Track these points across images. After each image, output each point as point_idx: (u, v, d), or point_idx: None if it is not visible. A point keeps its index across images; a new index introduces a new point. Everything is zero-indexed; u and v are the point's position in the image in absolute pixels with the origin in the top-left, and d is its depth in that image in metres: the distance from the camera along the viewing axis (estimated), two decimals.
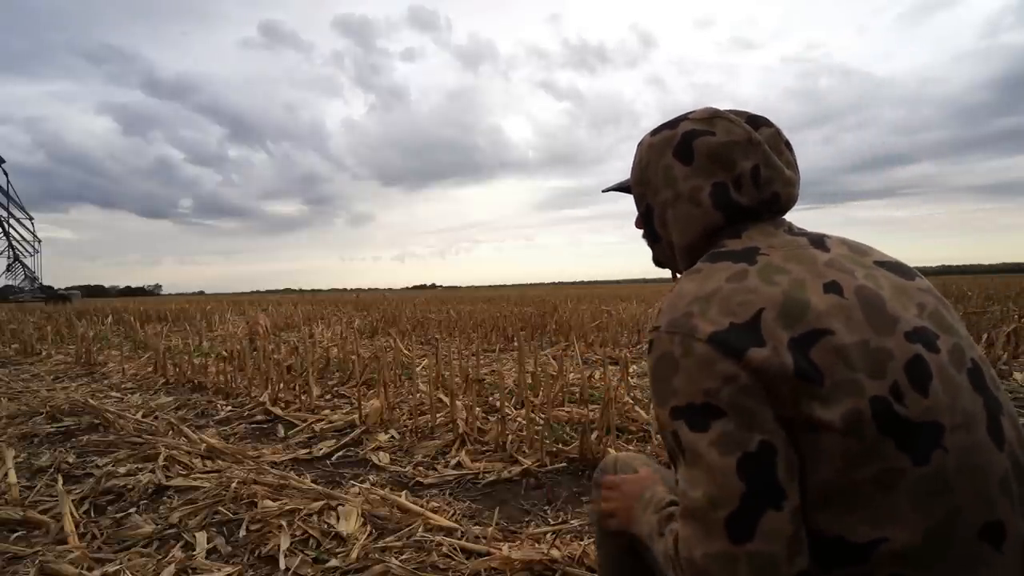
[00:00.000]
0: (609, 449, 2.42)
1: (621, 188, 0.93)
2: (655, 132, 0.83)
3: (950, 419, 0.59)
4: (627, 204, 0.95)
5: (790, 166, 0.78)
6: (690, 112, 0.81)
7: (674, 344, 0.65)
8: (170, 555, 1.68)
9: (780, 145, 0.78)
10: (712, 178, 0.75)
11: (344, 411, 3.33)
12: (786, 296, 0.63)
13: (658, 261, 0.91)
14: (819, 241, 0.73)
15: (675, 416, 0.64)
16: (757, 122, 0.78)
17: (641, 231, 0.90)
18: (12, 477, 2.17)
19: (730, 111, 0.78)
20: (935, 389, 0.60)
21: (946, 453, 0.58)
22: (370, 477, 2.33)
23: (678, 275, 0.88)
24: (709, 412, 0.61)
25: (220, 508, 1.98)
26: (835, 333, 0.61)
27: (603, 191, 0.97)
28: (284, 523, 1.82)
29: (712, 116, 0.77)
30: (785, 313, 0.62)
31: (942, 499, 0.58)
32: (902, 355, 0.61)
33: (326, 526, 1.82)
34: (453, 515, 1.94)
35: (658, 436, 2.62)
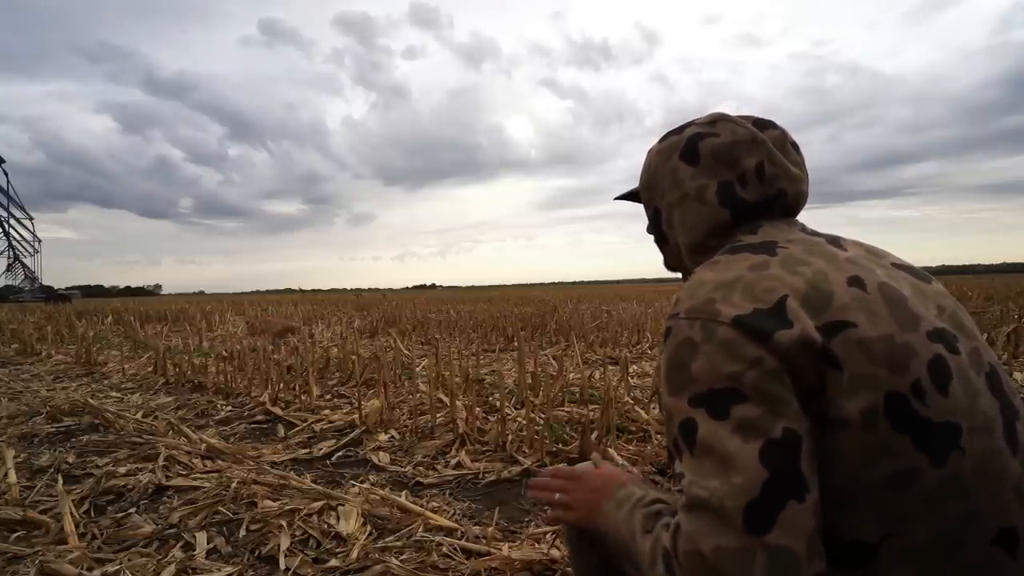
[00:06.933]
0: (609, 449, 2.43)
1: (630, 196, 0.95)
2: (662, 139, 0.85)
3: (969, 421, 0.58)
4: (628, 204, 0.97)
5: (796, 165, 0.78)
6: (697, 118, 0.83)
7: (694, 329, 0.63)
8: (170, 555, 1.68)
9: (786, 145, 0.78)
10: (718, 176, 0.77)
11: (344, 411, 3.33)
12: (809, 285, 0.63)
13: (669, 264, 0.92)
14: (835, 241, 0.73)
15: (694, 404, 0.60)
16: (763, 124, 0.79)
17: (652, 236, 0.91)
18: (12, 477, 2.17)
19: (737, 116, 0.80)
20: (955, 390, 0.59)
21: (963, 455, 0.57)
22: (370, 477, 2.33)
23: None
24: (731, 397, 0.58)
25: (220, 508, 1.98)
26: (858, 326, 0.60)
27: (614, 199, 0.99)
28: (284, 523, 1.82)
29: (716, 119, 0.79)
30: (808, 302, 0.61)
31: (958, 502, 0.57)
32: (925, 353, 0.60)
33: (326, 526, 1.82)
34: (453, 515, 1.93)
35: (659, 436, 2.61)
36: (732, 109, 0.84)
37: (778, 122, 0.80)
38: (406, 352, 5.50)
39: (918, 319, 0.63)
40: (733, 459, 0.56)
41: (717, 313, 0.62)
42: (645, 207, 0.90)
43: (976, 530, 0.57)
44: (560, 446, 2.52)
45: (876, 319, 0.61)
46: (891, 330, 0.60)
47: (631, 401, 3.13)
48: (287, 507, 1.92)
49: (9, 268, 42.03)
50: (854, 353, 0.59)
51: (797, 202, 0.78)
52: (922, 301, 0.66)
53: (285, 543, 1.71)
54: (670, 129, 0.85)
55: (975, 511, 0.57)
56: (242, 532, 1.82)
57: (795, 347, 0.58)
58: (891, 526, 0.57)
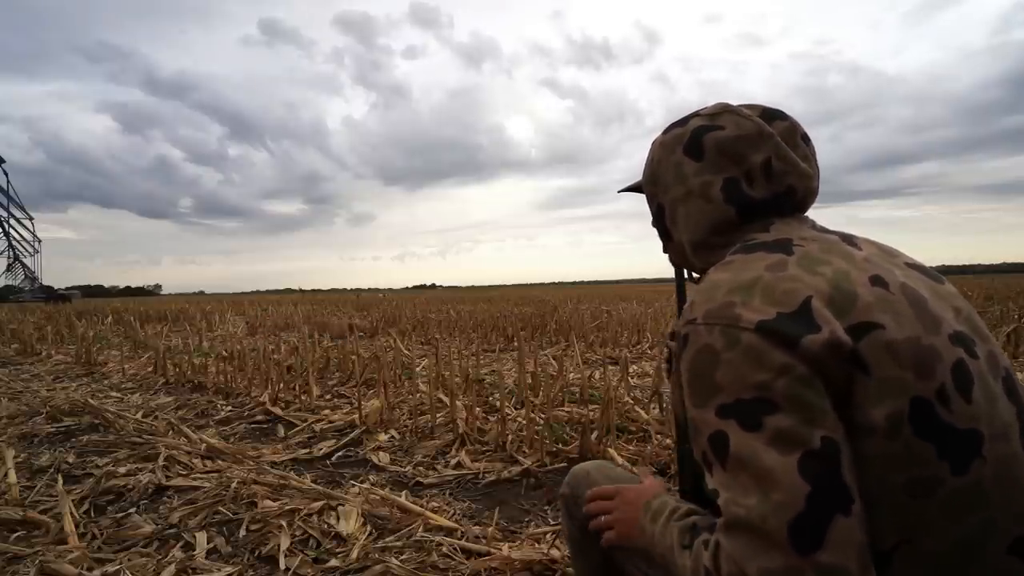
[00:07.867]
0: (609, 449, 2.43)
1: (634, 188, 0.92)
2: (666, 131, 0.81)
3: (989, 428, 0.57)
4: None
5: (806, 159, 0.75)
6: (701, 109, 0.79)
7: (714, 336, 0.59)
8: (170, 555, 1.68)
9: (796, 138, 0.75)
10: (723, 173, 0.73)
11: (344, 411, 3.33)
12: (832, 286, 0.60)
13: (674, 261, 0.90)
14: (849, 239, 0.71)
15: (723, 415, 0.57)
16: (772, 115, 0.75)
17: (656, 230, 0.88)
18: (12, 477, 2.17)
19: (743, 105, 0.77)
20: (976, 396, 0.57)
21: (985, 463, 0.56)
22: (370, 477, 2.33)
23: (694, 275, 0.86)
24: (762, 407, 0.55)
25: (220, 508, 1.98)
26: (885, 328, 0.57)
27: (618, 192, 0.96)
28: (284, 523, 1.82)
29: (721, 111, 0.76)
30: (833, 303, 0.58)
31: (977, 510, 0.56)
32: (949, 357, 0.58)
33: (326, 526, 1.82)
34: (453, 515, 1.94)
35: (659, 436, 2.61)
36: None
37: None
38: (406, 352, 5.50)
39: (939, 321, 0.61)
40: (770, 473, 0.53)
41: (738, 318, 0.59)
42: (648, 202, 0.87)
43: (993, 538, 0.56)
44: (560, 446, 2.52)
45: (901, 321, 0.59)
46: (917, 332, 0.58)
47: (631, 401, 3.13)
48: (287, 507, 1.92)
49: (9, 268, 42.07)
50: (882, 356, 0.56)
51: (806, 199, 0.76)
52: (939, 303, 0.63)
53: (285, 543, 1.71)
54: (674, 120, 0.81)
55: (993, 519, 0.56)
56: (242, 532, 1.82)
57: (824, 351, 0.55)
58: (907, 533, 0.56)
